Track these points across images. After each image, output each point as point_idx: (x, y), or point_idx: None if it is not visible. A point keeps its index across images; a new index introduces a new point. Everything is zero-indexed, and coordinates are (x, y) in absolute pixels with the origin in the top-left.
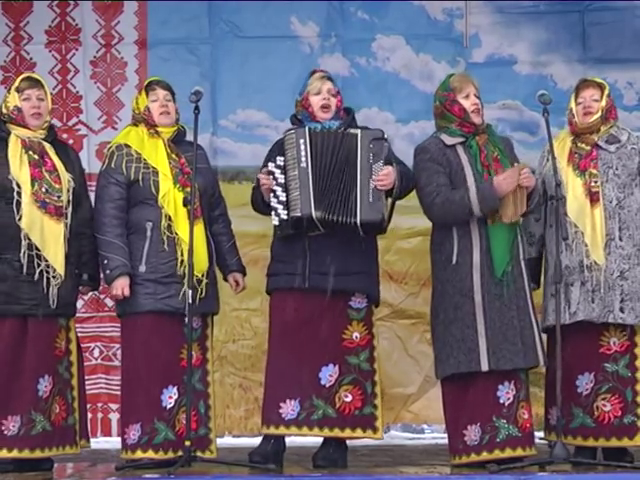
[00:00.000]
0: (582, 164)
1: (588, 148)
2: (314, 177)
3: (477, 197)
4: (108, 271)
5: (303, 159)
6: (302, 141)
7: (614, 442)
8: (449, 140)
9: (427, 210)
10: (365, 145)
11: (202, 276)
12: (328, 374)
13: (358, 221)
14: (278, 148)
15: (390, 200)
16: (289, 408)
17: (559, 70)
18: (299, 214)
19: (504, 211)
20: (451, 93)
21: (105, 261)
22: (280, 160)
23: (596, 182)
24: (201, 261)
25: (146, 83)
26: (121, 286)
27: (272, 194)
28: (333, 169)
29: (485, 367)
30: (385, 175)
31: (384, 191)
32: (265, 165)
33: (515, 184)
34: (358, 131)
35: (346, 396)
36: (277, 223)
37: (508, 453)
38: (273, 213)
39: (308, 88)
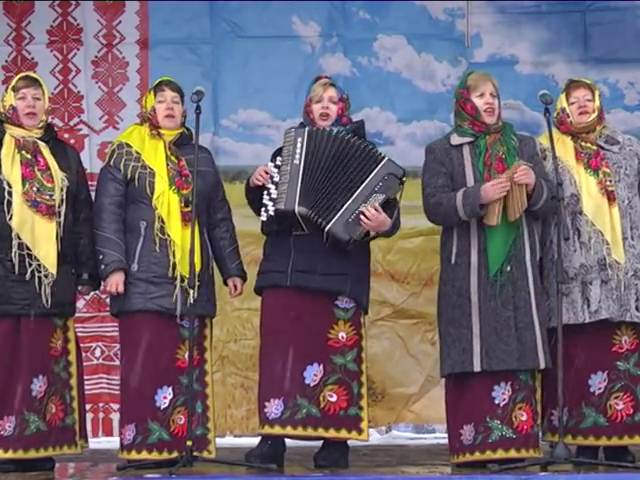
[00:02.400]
0: (593, 163)
1: (594, 147)
2: (304, 175)
3: (462, 201)
4: (103, 266)
5: (297, 156)
6: (300, 139)
7: (626, 440)
8: (456, 140)
9: (424, 211)
10: (381, 173)
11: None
12: (313, 373)
13: (326, 228)
14: (281, 149)
15: (370, 236)
16: (273, 407)
17: (560, 70)
18: (282, 207)
19: (488, 217)
20: (465, 91)
21: (101, 256)
22: (279, 160)
23: (611, 181)
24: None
25: (156, 83)
26: (115, 282)
27: (265, 192)
28: (327, 170)
29: (477, 367)
30: (374, 215)
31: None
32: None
33: (504, 192)
34: (386, 157)
35: (331, 396)
36: (264, 219)
37: (500, 454)
38: (263, 209)
39: (311, 95)
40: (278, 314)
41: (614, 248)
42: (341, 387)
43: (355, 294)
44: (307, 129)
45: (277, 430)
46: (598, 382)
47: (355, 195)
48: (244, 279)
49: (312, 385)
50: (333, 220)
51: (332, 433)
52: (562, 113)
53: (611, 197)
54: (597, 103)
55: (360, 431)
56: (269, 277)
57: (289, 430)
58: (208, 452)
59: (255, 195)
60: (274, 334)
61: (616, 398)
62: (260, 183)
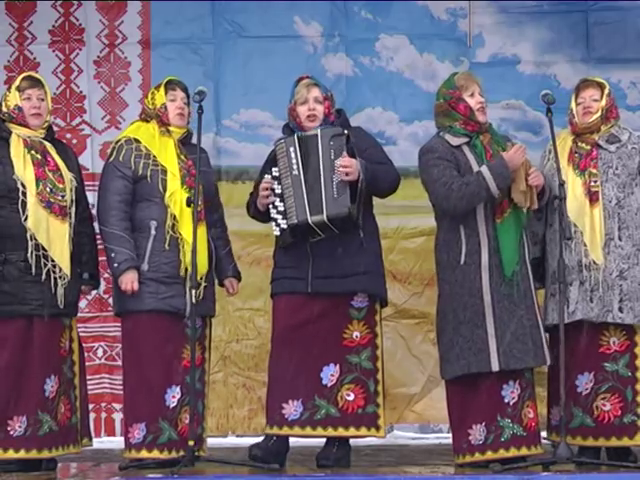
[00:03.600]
0: (582, 164)
1: (588, 147)
2: (307, 184)
3: (491, 174)
4: (116, 264)
5: (295, 167)
6: (292, 149)
7: (614, 442)
8: (454, 141)
9: (444, 200)
10: (326, 143)
11: (201, 279)
12: (329, 374)
13: (325, 218)
14: (272, 159)
15: (358, 190)
16: (292, 409)
17: (562, 70)
18: (296, 221)
19: (517, 187)
20: (457, 91)
21: (112, 254)
22: (275, 171)
23: (595, 182)
24: (202, 264)
25: (166, 81)
26: (130, 280)
27: (271, 205)
28: (314, 172)
29: (495, 367)
30: (346, 162)
31: (348, 184)
32: (261, 177)
33: (524, 157)
34: (318, 130)
35: (348, 395)
36: (278, 233)
37: (513, 452)
38: (274, 224)
39: (295, 97)
40: (292, 317)
41: (592, 249)
42: (357, 386)
43: (373, 289)
44: (296, 136)
45: (296, 431)
46: (584, 383)
47: (322, 176)
48: (239, 279)
49: (329, 385)
50: (324, 208)
51: (352, 432)
52: (570, 113)
53: (594, 198)
54: (603, 103)
55: (378, 428)
56: (287, 284)
57: (309, 431)
58: (203, 451)
59: (264, 216)
60: (289, 336)
61: (603, 399)
62: (268, 203)
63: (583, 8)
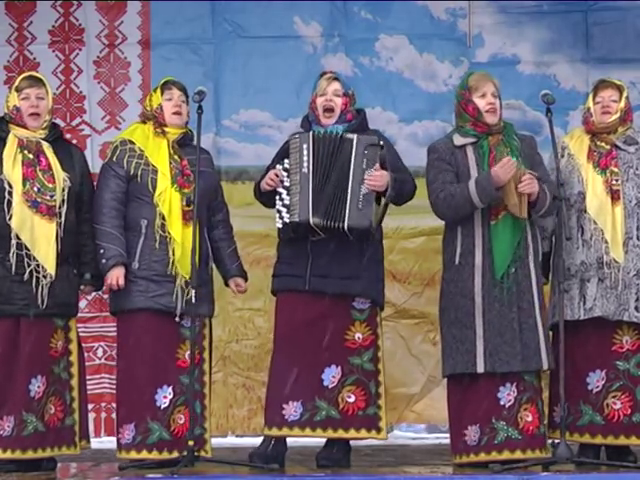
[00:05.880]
0: (602, 162)
1: (608, 147)
2: (314, 183)
3: (476, 188)
4: (104, 260)
5: (305, 164)
6: (305, 146)
7: (622, 440)
8: (459, 141)
9: (433, 207)
10: (360, 151)
11: (190, 279)
12: (331, 375)
13: (345, 226)
14: (285, 151)
15: (382, 203)
16: (292, 409)
17: (562, 70)
18: (297, 220)
19: (508, 200)
20: (467, 92)
21: (101, 251)
22: (287, 163)
23: (617, 180)
24: (188, 264)
25: (162, 81)
26: (116, 276)
27: (277, 197)
28: (330, 174)
29: (481, 369)
30: (377, 176)
31: (374, 196)
32: (272, 166)
33: (513, 171)
34: (354, 136)
35: (349, 397)
36: (280, 226)
37: (506, 455)
38: (277, 216)
39: (316, 89)
40: (294, 317)
41: (613, 247)
42: (359, 387)
43: (370, 294)
44: (311, 134)
45: (296, 432)
46: (596, 380)
47: (350, 183)
48: (245, 279)
49: (330, 387)
50: (346, 216)
51: (352, 433)
52: (587, 112)
53: (615, 196)
54: (622, 104)
55: (379, 430)
56: (286, 281)
57: (308, 432)
58: (205, 452)
59: (267, 198)
60: (291, 337)
61: (614, 397)
62: (271, 188)
63: (583, 8)
